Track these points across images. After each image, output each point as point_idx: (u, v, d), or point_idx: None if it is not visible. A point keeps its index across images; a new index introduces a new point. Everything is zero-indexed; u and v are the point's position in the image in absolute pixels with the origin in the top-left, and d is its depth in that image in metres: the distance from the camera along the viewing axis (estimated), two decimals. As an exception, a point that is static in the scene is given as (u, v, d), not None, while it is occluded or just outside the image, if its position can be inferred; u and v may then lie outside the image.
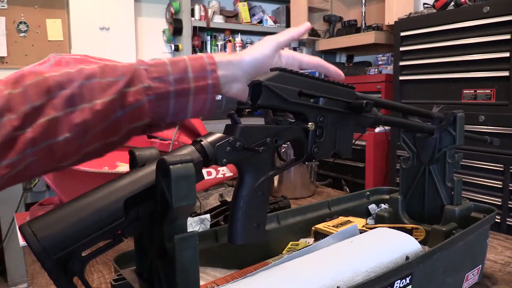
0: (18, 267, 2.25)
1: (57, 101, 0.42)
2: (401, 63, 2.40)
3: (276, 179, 1.29)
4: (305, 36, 3.43)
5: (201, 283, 0.56)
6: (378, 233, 0.63)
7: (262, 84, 0.47)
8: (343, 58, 3.69)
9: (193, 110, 0.50)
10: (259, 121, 0.77)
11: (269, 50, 0.55)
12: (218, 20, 3.52)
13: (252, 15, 3.77)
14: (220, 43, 3.62)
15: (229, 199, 0.97)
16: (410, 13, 2.45)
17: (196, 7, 3.38)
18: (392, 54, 2.71)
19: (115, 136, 0.47)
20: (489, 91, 1.99)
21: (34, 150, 0.41)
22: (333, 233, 0.66)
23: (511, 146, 1.88)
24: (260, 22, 3.78)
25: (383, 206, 0.89)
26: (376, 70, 2.99)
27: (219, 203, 0.96)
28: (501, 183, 1.94)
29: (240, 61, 0.54)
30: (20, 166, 0.41)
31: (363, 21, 3.27)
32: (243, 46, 3.68)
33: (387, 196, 0.89)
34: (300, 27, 0.60)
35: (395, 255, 0.56)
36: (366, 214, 0.88)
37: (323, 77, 0.55)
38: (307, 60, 0.59)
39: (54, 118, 0.42)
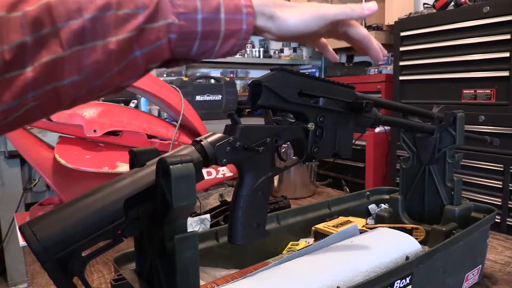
0: (18, 267, 2.25)
1: (64, 36, 0.35)
2: (401, 63, 2.40)
3: (276, 179, 1.29)
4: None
5: (201, 283, 0.56)
6: (378, 233, 0.63)
7: (262, 84, 0.47)
8: (343, 58, 3.69)
9: (218, 53, 0.45)
10: (259, 121, 0.78)
11: (317, 26, 0.48)
12: (218, 20, 3.52)
13: (252, 15, 3.76)
14: (220, 43, 3.62)
15: (229, 199, 0.97)
16: (410, 13, 2.45)
17: (196, 7, 3.38)
18: (392, 54, 2.71)
19: (131, 79, 0.42)
20: (489, 91, 1.99)
21: (36, 94, 0.35)
22: (333, 233, 0.67)
23: (511, 146, 1.88)
24: (260, 22, 3.77)
25: (383, 206, 0.89)
26: (376, 70, 2.99)
27: (219, 203, 0.96)
28: (501, 183, 1.94)
29: (283, 20, 0.46)
30: (19, 112, 0.35)
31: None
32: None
33: (387, 196, 0.89)
34: (366, 7, 0.50)
35: (395, 255, 0.56)
36: (366, 214, 0.88)
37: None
38: (354, 30, 0.51)
39: (60, 56, 0.35)
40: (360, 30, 0.51)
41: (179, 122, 1.06)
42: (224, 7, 0.43)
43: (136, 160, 0.42)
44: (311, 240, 0.75)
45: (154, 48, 0.40)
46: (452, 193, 0.75)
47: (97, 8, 0.36)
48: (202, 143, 0.43)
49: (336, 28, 0.50)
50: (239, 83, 3.71)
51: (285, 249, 0.74)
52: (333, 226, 0.75)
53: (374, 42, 0.52)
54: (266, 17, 0.46)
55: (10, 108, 0.34)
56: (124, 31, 0.37)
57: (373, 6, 0.49)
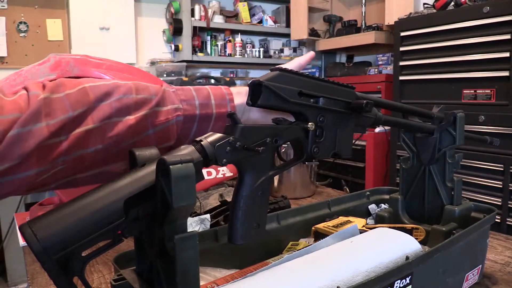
0: (18, 267, 2.25)
1: (95, 113, 0.42)
2: (401, 63, 2.40)
3: (276, 179, 1.29)
4: (305, 36, 3.43)
5: (201, 283, 0.56)
6: (378, 233, 0.63)
7: (262, 84, 0.47)
8: (343, 58, 3.69)
9: None
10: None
11: None
12: (218, 20, 3.53)
13: (252, 15, 3.77)
14: (220, 43, 3.63)
15: (229, 199, 0.97)
16: (410, 13, 2.45)
17: (196, 7, 3.38)
18: (392, 54, 2.71)
19: None
20: (489, 91, 1.99)
21: (66, 159, 0.41)
22: (333, 233, 0.66)
23: (511, 146, 1.88)
24: (260, 22, 3.78)
25: (383, 206, 0.88)
26: (376, 70, 2.99)
27: (219, 203, 0.96)
28: (501, 183, 1.94)
29: None
30: (49, 173, 0.41)
31: (363, 21, 3.27)
32: (243, 46, 3.68)
33: (387, 196, 0.89)
34: (306, 55, 0.65)
35: (395, 255, 0.56)
36: (366, 214, 0.88)
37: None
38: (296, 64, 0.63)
39: (90, 129, 0.42)
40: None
41: (179, 122, 1.06)
42: (213, 95, 0.52)
43: (136, 160, 0.42)
44: (311, 240, 0.75)
45: (164, 128, 0.47)
46: (452, 193, 0.75)
47: (122, 92, 0.45)
48: (202, 143, 0.43)
49: None
50: (239, 83, 3.72)
51: (285, 249, 0.74)
52: (333, 226, 0.75)
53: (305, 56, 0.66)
54: (244, 95, 0.55)
55: (44, 170, 0.40)
56: (141, 110, 0.46)
57: (311, 53, 0.65)
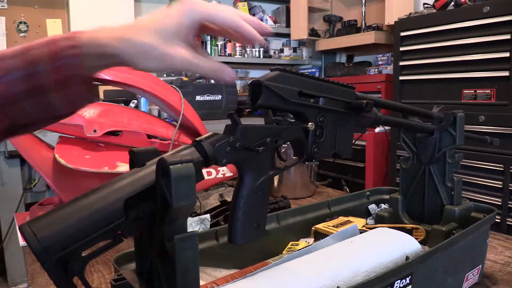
0: (18, 267, 2.25)
1: None
2: (401, 63, 2.40)
3: (276, 179, 1.29)
4: (305, 36, 3.43)
5: (201, 283, 0.56)
6: (378, 233, 0.63)
7: (262, 84, 0.47)
8: (343, 58, 3.69)
9: (64, 106, 0.39)
10: (259, 121, 0.78)
11: (190, 19, 0.41)
12: (218, 20, 3.52)
13: (252, 15, 3.77)
14: (220, 43, 3.62)
15: (229, 199, 0.97)
16: (410, 13, 2.45)
17: (196, 7, 3.38)
18: (392, 54, 2.71)
19: None
20: (489, 91, 1.99)
21: None
22: (333, 233, 0.67)
23: (511, 146, 1.88)
24: (260, 22, 3.77)
25: (383, 206, 0.88)
26: (376, 70, 2.99)
27: (219, 203, 0.96)
28: (501, 183, 1.94)
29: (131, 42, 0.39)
30: None
31: (363, 21, 3.27)
32: (243, 46, 3.68)
33: (387, 196, 0.89)
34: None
35: (395, 255, 0.56)
36: (366, 214, 0.88)
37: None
38: (218, 18, 0.43)
39: None
40: (224, 16, 0.42)
41: (179, 122, 1.06)
42: (41, 57, 0.37)
43: (136, 160, 0.42)
44: (311, 240, 0.75)
45: None
46: (452, 193, 0.75)
47: None
48: (202, 143, 0.43)
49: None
50: (239, 83, 3.71)
51: (285, 249, 0.74)
52: (333, 226, 0.75)
53: (246, 24, 0.43)
54: (116, 40, 0.38)
55: None
56: None
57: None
